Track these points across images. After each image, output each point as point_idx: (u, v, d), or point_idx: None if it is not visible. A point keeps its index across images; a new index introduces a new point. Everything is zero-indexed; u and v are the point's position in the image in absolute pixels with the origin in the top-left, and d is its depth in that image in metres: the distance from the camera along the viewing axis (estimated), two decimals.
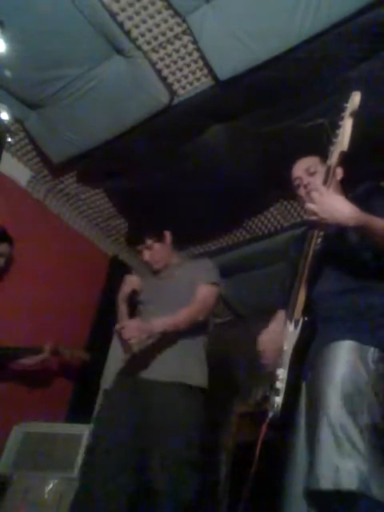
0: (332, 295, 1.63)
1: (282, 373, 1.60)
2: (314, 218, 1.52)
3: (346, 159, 1.88)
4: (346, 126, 1.55)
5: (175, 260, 2.50)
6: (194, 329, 2.21)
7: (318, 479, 1.30)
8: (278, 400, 1.56)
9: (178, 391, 2.07)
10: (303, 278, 1.62)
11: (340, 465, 1.28)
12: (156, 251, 2.41)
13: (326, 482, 1.28)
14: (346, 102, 1.57)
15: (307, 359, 1.58)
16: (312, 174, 1.81)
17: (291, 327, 1.62)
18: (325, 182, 1.57)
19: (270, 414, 1.58)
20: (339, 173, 1.84)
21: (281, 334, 1.70)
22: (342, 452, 1.30)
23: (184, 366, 2.15)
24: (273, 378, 1.64)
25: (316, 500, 1.38)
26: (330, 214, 1.48)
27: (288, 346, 1.61)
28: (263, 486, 1.66)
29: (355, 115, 1.55)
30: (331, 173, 1.57)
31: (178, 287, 2.31)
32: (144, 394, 2.08)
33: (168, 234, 2.47)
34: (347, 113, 1.56)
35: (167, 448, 1.95)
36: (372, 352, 1.48)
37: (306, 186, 1.80)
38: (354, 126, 1.55)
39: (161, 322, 2.07)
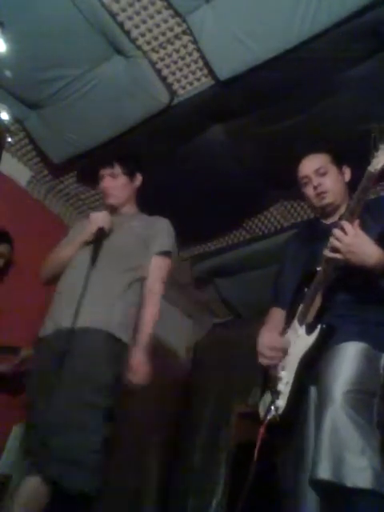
0: (347, 303, 1.60)
1: (286, 376, 1.58)
2: (336, 255, 1.49)
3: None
4: None
5: (133, 208, 2.28)
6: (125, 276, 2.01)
7: (319, 470, 1.28)
8: (280, 403, 1.54)
9: (100, 339, 1.86)
10: (321, 284, 1.58)
11: (352, 461, 1.26)
12: (120, 184, 2.17)
13: (326, 474, 1.27)
14: None
15: (318, 365, 1.54)
16: (322, 175, 1.76)
17: (301, 331, 1.60)
18: (363, 190, 1.46)
19: (269, 416, 1.56)
20: (347, 174, 1.83)
21: (280, 335, 1.69)
22: (352, 447, 1.28)
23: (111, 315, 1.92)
24: (274, 380, 1.62)
25: (318, 492, 1.37)
26: (358, 257, 1.45)
27: (295, 350, 1.58)
28: (262, 487, 1.66)
29: None
30: (372, 179, 1.45)
31: (130, 241, 2.10)
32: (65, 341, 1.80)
33: (139, 177, 2.25)
34: None
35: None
36: (383, 359, 1.48)
37: (315, 188, 1.76)
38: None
39: (142, 348, 1.92)
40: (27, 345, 2.58)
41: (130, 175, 2.22)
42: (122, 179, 2.19)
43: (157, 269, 2.13)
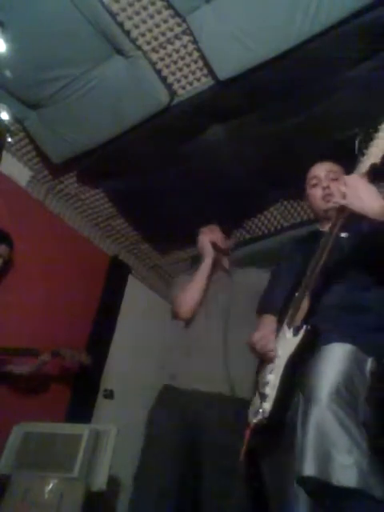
0: (335, 308, 1.60)
1: (273, 379, 1.57)
2: (342, 201, 1.49)
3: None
4: (382, 139, 1.48)
5: (227, 262, 2.53)
6: None
7: (305, 466, 1.27)
8: (266, 406, 1.54)
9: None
10: (309, 287, 1.59)
11: (339, 459, 1.25)
12: (220, 237, 2.48)
13: (312, 470, 1.26)
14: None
15: (304, 366, 1.54)
16: (333, 180, 1.79)
17: (289, 334, 1.60)
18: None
19: (255, 420, 1.56)
20: None
21: (273, 336, 1.69)
22: (339, 446, 1.27)
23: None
24: (261, 383, 1.62)
25: (305, 491, 1.36)
26: (361, 202, 1.45)
27: (283, 353, 1.58)
28: (251, 489, 1.65)
29: None
30: None
31: (233, 298, 2.27)
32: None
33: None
34: None
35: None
36: (370, 362, 1.47)
37: (324, 189, 1.79)
38: None
39: None
40: (45, 348, 2.69)
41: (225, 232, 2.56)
42: (220, 234, 2.50)
43: None
